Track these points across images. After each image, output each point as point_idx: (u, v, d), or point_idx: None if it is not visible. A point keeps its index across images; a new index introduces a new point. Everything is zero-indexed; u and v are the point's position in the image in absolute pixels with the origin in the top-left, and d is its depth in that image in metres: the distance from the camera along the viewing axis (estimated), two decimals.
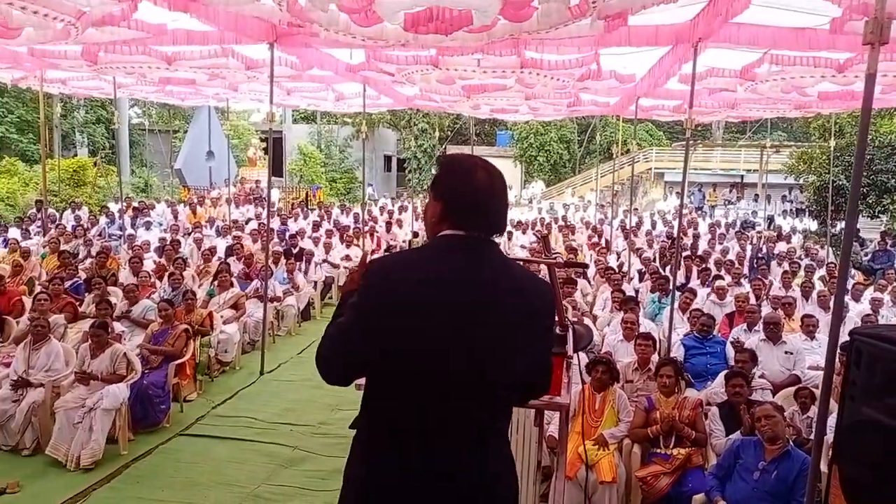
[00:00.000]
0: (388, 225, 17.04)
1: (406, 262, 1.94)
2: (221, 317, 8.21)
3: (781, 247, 15.51)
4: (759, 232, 17.94)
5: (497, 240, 1.97)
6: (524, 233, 17.50)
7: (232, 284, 9.02)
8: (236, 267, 10.27)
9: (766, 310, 7.97)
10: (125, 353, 5.89)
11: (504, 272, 1.90)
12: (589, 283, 10.69)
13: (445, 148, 34.88)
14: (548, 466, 4.99)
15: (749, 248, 14.44)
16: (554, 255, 2.30)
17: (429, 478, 1.81)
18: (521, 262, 2.56)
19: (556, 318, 2.18)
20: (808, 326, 7.17)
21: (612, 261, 12.81)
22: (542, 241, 2.20)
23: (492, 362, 1.82)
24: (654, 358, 5.90)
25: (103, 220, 15.03)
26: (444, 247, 1.89)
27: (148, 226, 14.80)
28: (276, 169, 29.94)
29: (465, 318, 1.79)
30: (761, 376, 6.19)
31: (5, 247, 11.58)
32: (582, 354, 6.14)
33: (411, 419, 1.83)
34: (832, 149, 14.97)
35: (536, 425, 2.37)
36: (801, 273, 11.29)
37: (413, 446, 1.82)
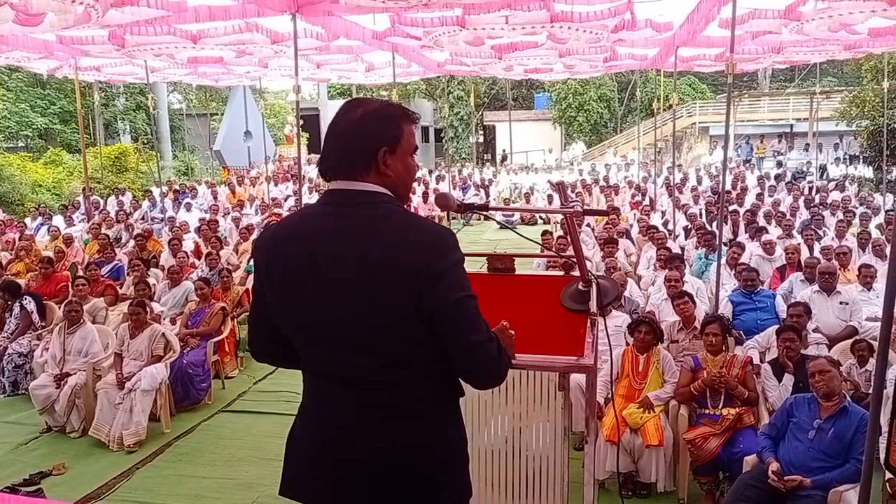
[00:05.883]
0: (425, 196, 16.95)
1: (285, 220, 1.90)
2: None
3: (835, 196, 14.89)
4: (810, 182, 17.27)
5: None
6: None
7: None
8: None
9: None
10: (163, 333, 5.91)
11: (365, 225, 1.70)
12: (632, 242, 10.41)
13: (482, 115, 34.48)
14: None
15: (802, 199, 13.92)
16: (572, 204, 2.11)
17: (318, 444, 1.77)
18: (538, 212, 2.39)
19: (579, 273, 2.00)
20: (866, 277, 6.81)
21: (657, 219, 12.48)
22: (558, 189, 2.01)
23: (345, 328, 1.68)
24: (700, 315, 5.66)
25: (146, 204, 15.24)
26: (319, 201, 1.82)
27: (188, 207, 14.94)
28: (315, 146, 30.03)
29: (318, 276, 1.68)
30: (815, 330, 5.90)
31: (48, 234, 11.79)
32: (625, 315, 6.02)
33: (312, 384, 1.82)
34: (886, 90, 14.13)
35: (561, 389, 2.21)
36: (857, 222, 10.83)
37: (313, 409, 1.81)
